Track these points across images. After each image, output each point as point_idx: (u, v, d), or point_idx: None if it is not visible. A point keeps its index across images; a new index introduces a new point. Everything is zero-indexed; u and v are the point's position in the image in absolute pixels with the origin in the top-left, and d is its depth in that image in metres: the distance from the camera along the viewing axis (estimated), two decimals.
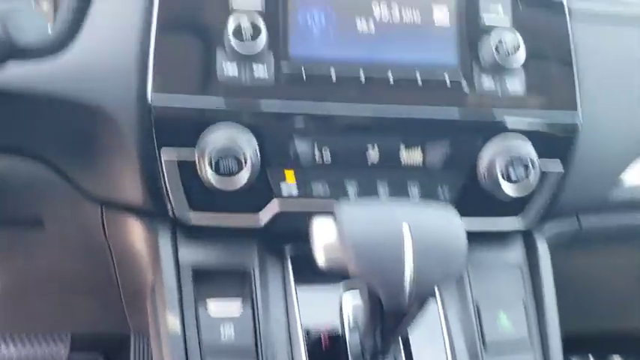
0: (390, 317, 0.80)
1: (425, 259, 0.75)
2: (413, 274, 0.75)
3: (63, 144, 0.96)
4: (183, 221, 0.95)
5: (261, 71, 0.89)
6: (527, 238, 1.09)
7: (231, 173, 0.87)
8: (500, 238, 1.08)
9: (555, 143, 0.97)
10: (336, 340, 0.96)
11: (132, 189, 0.95)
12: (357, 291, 0.94)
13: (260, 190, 0.93)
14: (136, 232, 1.01)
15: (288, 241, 0.99)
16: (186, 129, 0.88)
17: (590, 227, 1.14)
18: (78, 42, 0.89)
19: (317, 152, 0.93)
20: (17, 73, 0.86)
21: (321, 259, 0.79)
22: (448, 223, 0.80)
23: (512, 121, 0.94)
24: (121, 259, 1.14)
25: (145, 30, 0.89)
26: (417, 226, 0.76)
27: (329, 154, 0.93)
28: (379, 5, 0.94)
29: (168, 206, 0.94)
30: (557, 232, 1.11)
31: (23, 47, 0.81)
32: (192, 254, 0.97)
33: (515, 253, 1.08)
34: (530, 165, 0.92)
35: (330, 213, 0.81)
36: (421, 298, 0.78)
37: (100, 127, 0.91)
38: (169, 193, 0.92)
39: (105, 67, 0.89)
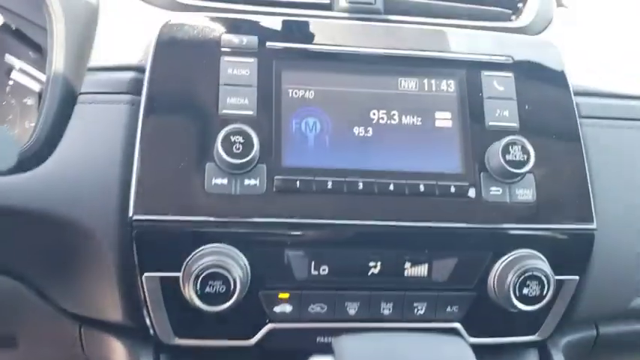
0: None
1: None
2: None
3: (41, 261, 0.89)
4: (167, 345, 0.86)
5: (253, 186, 0.83)
6: (542, 349, 1.00)
7: (218, 298, 0.79)
8: (513, 349, 0.99)
9: (571, 257, 0.90)
10: None
11: (112, 309, 0.88)
12: None
13: (252, 315, 0.86)
14: (117, 352, 0.93)
15: None
16: (172, 253, 0.82)
17: (609, 334, 1.06)
18: (56, 155, 0.84)
19: (314, 270, 0.86)
20: None
21: None
22: None
23: (524, 237, 0.88)
24: None
25: (127, 145, 0.84)
26: None
27: (327, 271, 0.86)
28: (378, 112, 0.89)
29: (151, 330, 0.86)
30: (573, 341, 1.03)
31: None
32: None
33: None
34: (544, 280, 0.85)
35: (328, 349, 0.73)
36: None
37: (80, 244, 0.85)
38: (152, 317, 0.84)
39: (84, 182, 0.84)
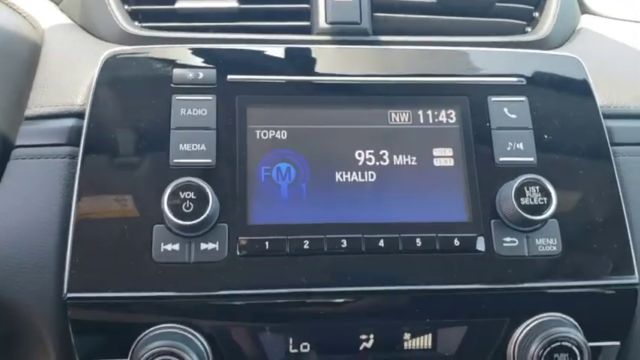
0: None
1: None
2: None
3: None
4: None
5: (212, 250, 0.69)
6: None
7: None
8: None
9: (609, 319, 0.73)
10: None
11: None
12: None
13: None
14: None
15: None
16: (115, 338, 0.68)
17: None
18: None
19: (293, 348, 0.71)
20: None
21: None
22: None
23: (548, 297, 0.72)
24: None
25: (66, 207, 0.71)
26: None
27: (309, 348, 0.71)
28: (364, 152, 0.74)
29: None
30: None
31: None
32: None
33: None
34: (577, 351, 0.69)
35: None
36: None
37: (15, 329, 0.72)
38: None
39: (17, 254, 0.71)
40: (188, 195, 0.67)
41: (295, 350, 0.71)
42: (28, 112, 0.77)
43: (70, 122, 0.76)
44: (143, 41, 0.83)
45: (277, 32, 0.86)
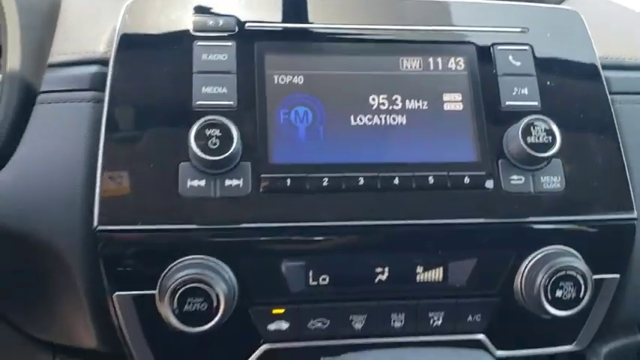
0: None
1: None
2: None
3: (4, 285, 0.79)
4: None
5: (236, 187, 0.72)
6: None
7: (200, 318, 0.68)
8: None
9: (609, 252, 0.78)
10: None
11: (86, 334, 0.78)
12: None
13: (243, 335, 0.75)
14: None
15: None
16: (144, 268, 0.71)
17: None
18: (13, 162, 0.74)
19: (312, 281, 0.74)
20: None
21: None
22: None
23: (553, 231, 0.76)
24: None
25: (92, 147, 0.74)
26: None
27: (328, 281, 0.75)
28: (378, 97, 0.78)
29: (129, 357, 0.75)
30: (616, 349, 0.90)
31: None
32: None
33: None
34: (581, 281, 0.73)
35: None
36: None
37: (44, 263, 0.75)
38: (128, 342, 0.73)
39: (45, 192, 0.73)
40: (214, 132, 0.70)
41: (315, 282, 0.75)
42: (52, 60, 0.80)
43: (93, 69, 0.78)
44: None
45: None
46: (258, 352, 0.76)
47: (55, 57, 0.80)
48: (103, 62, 0.78)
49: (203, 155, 0.69)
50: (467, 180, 0.75)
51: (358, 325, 0.76)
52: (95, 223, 0.70)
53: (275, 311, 0.75)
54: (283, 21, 0.80)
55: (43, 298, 0.78)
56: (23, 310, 0.81)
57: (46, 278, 0.76)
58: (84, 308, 0.74)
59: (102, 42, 0.80)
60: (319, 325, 0.75)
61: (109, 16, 0.82)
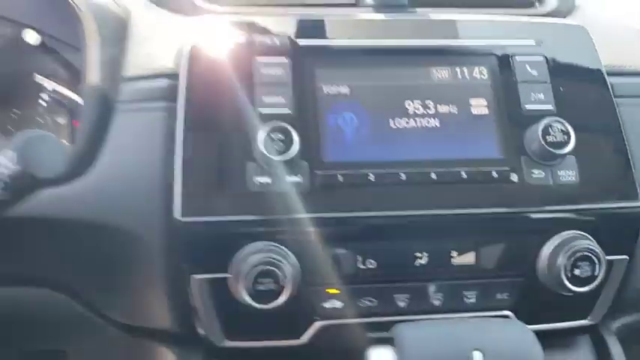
0: None
1: None
2: None
3: (87, 272, 0.90)
4: (217, 348, 0.86)
5: (296, 182, 0.83)
6: (595, 335, 0.99)
7: (270, 296, 0.79)
8: (565, 336, 0.98)
9: (618, 236, 0.89)
10: None
11: (162, 315, 0.88)
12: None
13: (301, 313, 0.85)
14: None
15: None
16: (219, 253, 0.81)
17: None
18: (99, 164, 0.85)
19: (362, 264, 0.85)
20: (37, 200, 0.81)
21: None
22: (524, 349, 0.71)
23: (570, 218, 0.87)
24: None
25: (166, 149, 0.85)
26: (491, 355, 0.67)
27: (375, 265, 0.85)
28: (412, 102, 0.89)
29: (202, 333, 0.86)
30: (626, 325, 1.01)
31: (43, 180, 0.75)
32: None
33: (583, 354, 0.98)
34: (596, 260, 0.84)
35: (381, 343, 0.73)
36: None
37: (126, 251, 0.85)
38: (202, 320, 0.84)
39: (128, 188, 0.84)
40: (278, 136, 0.81)
41: (363, 266, 0.85)
42: (126, 74, 0.91)
43: (163, 82, 0.89)
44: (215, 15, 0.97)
45: (329, 7, 1.00)
46: (313, 328, 0.86)
47: (129, 70, 0.90)
48: (171, 76, 0.89)
49: (269, 155, 0.80)
50: (494, 174, 0.86)
51: (402, 304, 0.87)
52: (178, 214, 0.81)
53: (329, 291, 0.85)
54: (329, 39, 0.91)
55: (126, 285, 0.88)
56: (106, 295, 0.91)
57: (128, 266, 0.86)
58: (162, 291, 0.85)
59: (168, 59, 0.91)
60: (368, 303, 0.86)
61: (174, 32, 0.93)
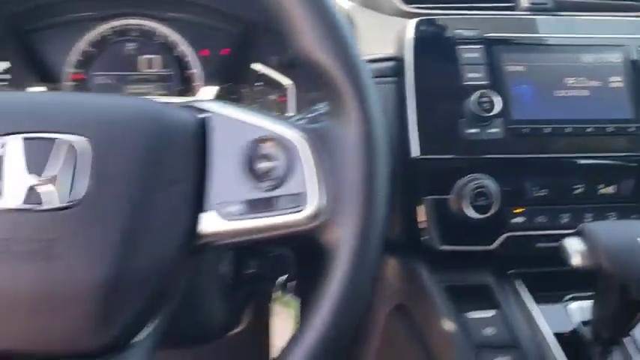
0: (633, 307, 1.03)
1: None
2: None
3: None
4: (434, 251, 1.21)
5: (495, 133, 1.18)
6: None
7: (483, 210, 1.14)
8: None
9: None
10: (573, 333, 1.19)
11: (393, 229, 1.22)
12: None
13: (495, 226, 1.20)
14: (389, 268, 1.28)
15: (516, 265, 1.24)
16: (443, 181, 1.17)
17: None
18: None
19: (541, 192, 1.20)
20: None
21: (576, 262, 1.03)
22: None
23: None
24: None
25: (398, 110, 1.20)
26: None
27: (546, 193, 1.20)
28: (570, 78, 1.24)
29: (426, 238, 1.19)
30: None
31: None
32: (443, 276, 1.23)
33: None
34: None
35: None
36: None
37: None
38: (428, 230, 1.19)
39: None
40: (485, 99, 1.16)
41: (540, 193, 1.19)
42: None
43: (391, 63, 1.24)
44: (413, 16, 1.33)
45: (497, 10, 1.35)
46: (501, 238, 1.20)
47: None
48: (396, 59, 1.24)
49: (479, 113, 1.16)
50: (630, 129, 1.22)
51: (565, 221, 1.22)
52: (417, 153, 1.16)
53: (516, 211, 1.20)
54: (508, 33, 1.26)
55: None
56: None
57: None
58: (397, 209, 1.20)
59: (388, 47, 1.27)
60: (542, 220, 1.21)
61: (387, 27, 1.28)
